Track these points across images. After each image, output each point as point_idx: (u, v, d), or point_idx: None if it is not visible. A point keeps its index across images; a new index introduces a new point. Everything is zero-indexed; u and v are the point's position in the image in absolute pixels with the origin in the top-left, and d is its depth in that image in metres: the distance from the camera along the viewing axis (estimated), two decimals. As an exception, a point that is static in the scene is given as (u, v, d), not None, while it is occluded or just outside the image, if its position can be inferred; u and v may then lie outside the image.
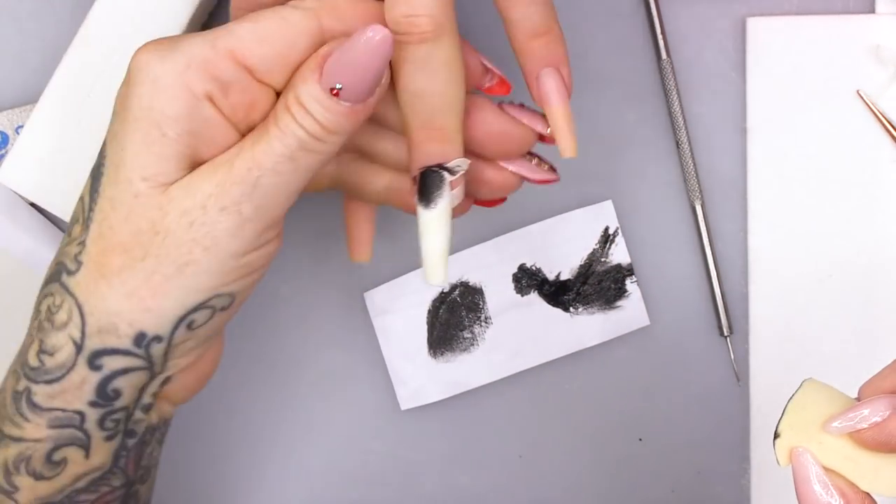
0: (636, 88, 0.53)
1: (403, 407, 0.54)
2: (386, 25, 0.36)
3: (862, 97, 0.51)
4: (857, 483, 0.33)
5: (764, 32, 0.52)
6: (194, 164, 0.38)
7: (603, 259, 0.53)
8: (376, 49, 0.35)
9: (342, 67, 0.36)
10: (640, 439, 0.54)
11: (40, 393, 0.38)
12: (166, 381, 0.40)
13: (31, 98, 0.50)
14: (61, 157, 0.48)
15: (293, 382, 0.54)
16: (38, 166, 0.48)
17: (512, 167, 0.42)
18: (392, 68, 0.38)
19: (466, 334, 0.53)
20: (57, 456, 0.39)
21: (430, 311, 0.53)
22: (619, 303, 0.53)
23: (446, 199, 0.39)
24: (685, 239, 0.53)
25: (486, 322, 0.53)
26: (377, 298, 0.54)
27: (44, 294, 0.39)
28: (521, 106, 0.41)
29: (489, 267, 0.53)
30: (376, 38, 0.35)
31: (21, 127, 0.50)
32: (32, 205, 0.51)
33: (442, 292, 0.53)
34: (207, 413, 0.54)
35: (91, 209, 0.38)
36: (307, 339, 0.54)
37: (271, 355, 0.54)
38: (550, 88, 0.40)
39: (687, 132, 0.52)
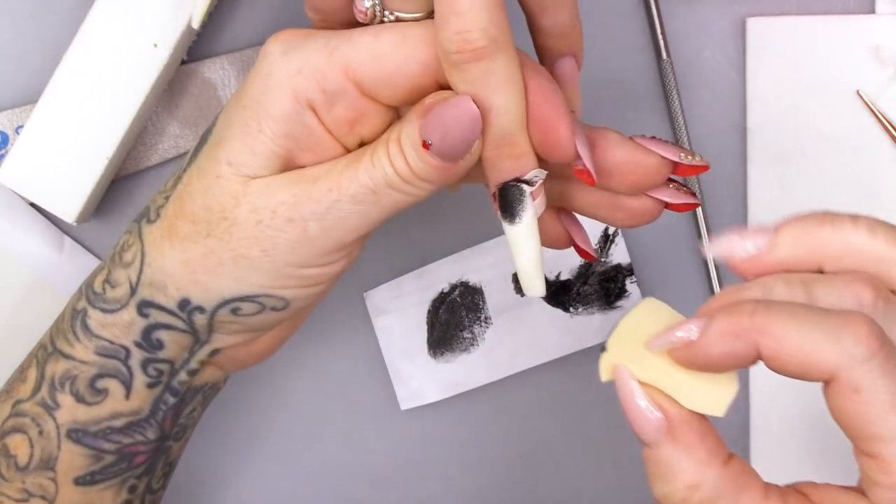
0: (636, 88, 0.53)
1: (403, 407, 0.54)
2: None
3: (862, 97, 0.51)
4: (672, 393, 0.34)
5: (764, 32, 0.52)
6: (290, 167, 0.38)
7: (603, 259, 0.53)
8: (461, 119, 0.35)
9: (434, 126, 0.36)
10: (640, 439, 0.54)
11: (94, 318, 0.40)
12: (215, 352, 0.42)
13: (31, 98, 0.50)
14: (61, 157, 0.48)
15: (293, 382, 0.54)
16: (38, 166, 0.48)
17: (651, 192, 0.40)
18: (452, 88, 0.37)
19: (466, 334, 0.53)
20: (100, 384, 0.41)
21: (430, 311, 0.53)
22: (619, 303, 0.53)
23: (530, 211, 0.38)
24: (685, 239, 0.53)
25: (486, 322, 0.53)
26: (377, 298, 0.54)
27: (127, 229, 0.41)
28: (653, 138, 0.40)
29: (489, 267, 0.53)
30: (460, 108, 0.35)
31: (21, 127, 0.50)
32: (32, 205, 0.51)
33: (442, 292, 0.53)
34: (206, 412, 0.54)
35: (185, 170, 0.40)
36: (307, 339, 0.54)
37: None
38: (566, 72, 0.41)
39: (687, 132, 0.52)
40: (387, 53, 0.36)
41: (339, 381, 0.54)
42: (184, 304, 0.39)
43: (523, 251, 0.39)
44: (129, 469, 0.42)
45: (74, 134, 0.48)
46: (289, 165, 0.38)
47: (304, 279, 0.39)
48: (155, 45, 0.47)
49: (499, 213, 0.38)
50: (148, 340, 0.40)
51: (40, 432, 0.41)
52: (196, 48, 0.51)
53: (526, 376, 0.54)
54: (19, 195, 0.50)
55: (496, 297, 0.53)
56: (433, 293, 0.53)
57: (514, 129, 0.37)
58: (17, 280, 0.51)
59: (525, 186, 0.38)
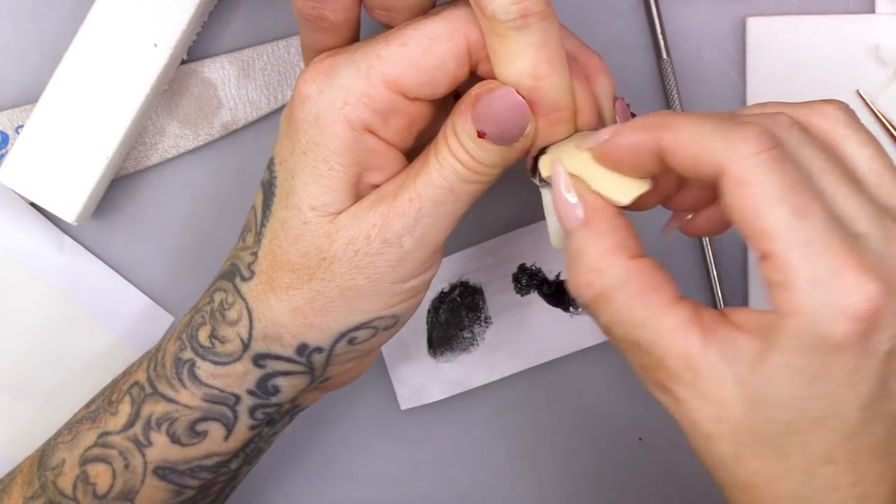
0: (636, 88, 0.53)
1: (403, 407, 0.54)
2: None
3: (862, 97, 0.51)
4: (592, 185, 0.36)
5: (764, 32, 0.52)
6: (362, 190, 0.39)
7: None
8: (509, 109, 0.36)
9: (485, 117, 0.36)
10: (640, 439, 0.54)
11: (204, 369, 0.41)
12: (324, 381, 0.43)
13: (31, 98, 0.50)
14: (61, 157, 0.48)
15: (293, 382, 0.54)
16: (38, 166, 0.48)
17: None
18: (501, 58, 0.37)
19: (466, 334, 0.53)
20: (200, 427, 0.41)
21: (430, 311, 0.53)
22: (619, 303, 0.53)
23: None
24: (685, 239, 0.53)
25: (486, 322, 0.53)
26: (377, 298, 0.53)
27: (217, 287, 0.42)
28: (628, 111, 0.41)
29: (489, 267, 0.53)
30: (506, 99, 0.36)
31: (21, 127, 0.50)
32: (32, 204, 0.51)
33: (442, 292, 0.53)
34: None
35: (263, 224, 0.40)
36: (307, 339, 0.54)
37: (271, 355, 0.54)
38: None
39: (687, 132, 0.52)
40: (420, 58, 0.37)
41: (339, 381, 0.54)
42: (302, 348, 0.40)
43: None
44: (204, 498, 0.43)
45: (74, 134, 0.48)
46: (363, 189, 0.39)
47: (408, 292, 0.40)
48: (155, 45, 0.47)
49: (535, 177, 0.39)
50: (263, 388, 0.41)
51: (126, 466, 0.41)
52: (196, 48, 0.51)
53: (526, 376, 0.54)
54: (19, 195, 0.50)
55: (496, 297, 0.53)
56: (433, 293, 0.53)
57: (566, 93, 0.37)
58: (17, 280, 0.51)
59: None
